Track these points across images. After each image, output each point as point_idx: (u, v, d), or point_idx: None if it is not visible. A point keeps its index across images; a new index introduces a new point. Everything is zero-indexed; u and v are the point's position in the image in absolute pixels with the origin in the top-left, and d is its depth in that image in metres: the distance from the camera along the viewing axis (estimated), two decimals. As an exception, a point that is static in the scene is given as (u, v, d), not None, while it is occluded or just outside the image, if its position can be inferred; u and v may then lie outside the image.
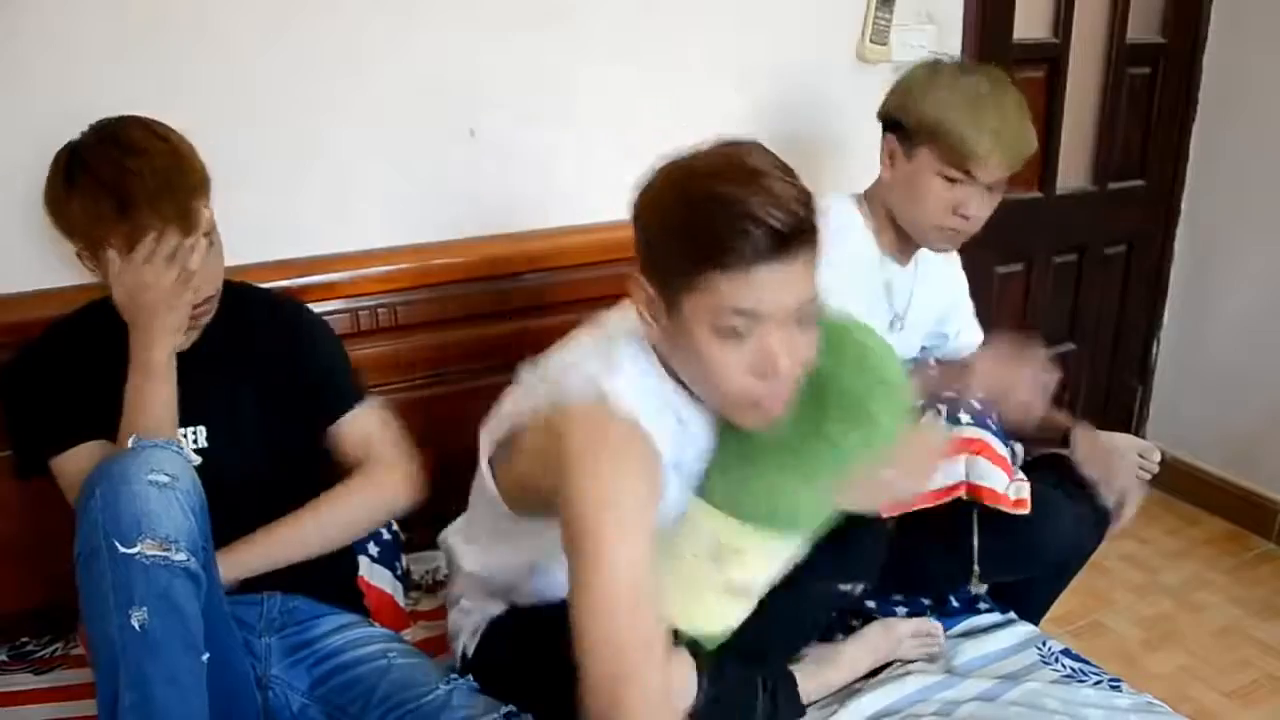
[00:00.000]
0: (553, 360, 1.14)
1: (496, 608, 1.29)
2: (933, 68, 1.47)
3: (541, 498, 1.05)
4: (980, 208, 1.46)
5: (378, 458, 1.35)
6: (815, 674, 1.37)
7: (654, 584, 0.99)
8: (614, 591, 0.95)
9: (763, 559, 1.17)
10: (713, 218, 0.97)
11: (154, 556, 0.99)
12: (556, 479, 1.00)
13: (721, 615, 1.19)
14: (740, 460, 1.13)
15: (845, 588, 1.31)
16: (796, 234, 0.98)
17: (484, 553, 1.27)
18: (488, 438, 1.17)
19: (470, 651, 1.28)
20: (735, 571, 1.15)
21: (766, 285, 0.98)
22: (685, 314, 1.01)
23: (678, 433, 1.12)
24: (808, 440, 1.09)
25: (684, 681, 1.13)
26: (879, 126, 1.53)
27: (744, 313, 0.99)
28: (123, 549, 0.98)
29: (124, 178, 1.14)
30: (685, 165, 1.03)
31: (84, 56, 1.42)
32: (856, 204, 1.57)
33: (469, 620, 1.30)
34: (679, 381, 1.10)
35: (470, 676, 1.24)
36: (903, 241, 1.57)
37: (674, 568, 1.15)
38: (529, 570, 1.23)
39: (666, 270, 1.02)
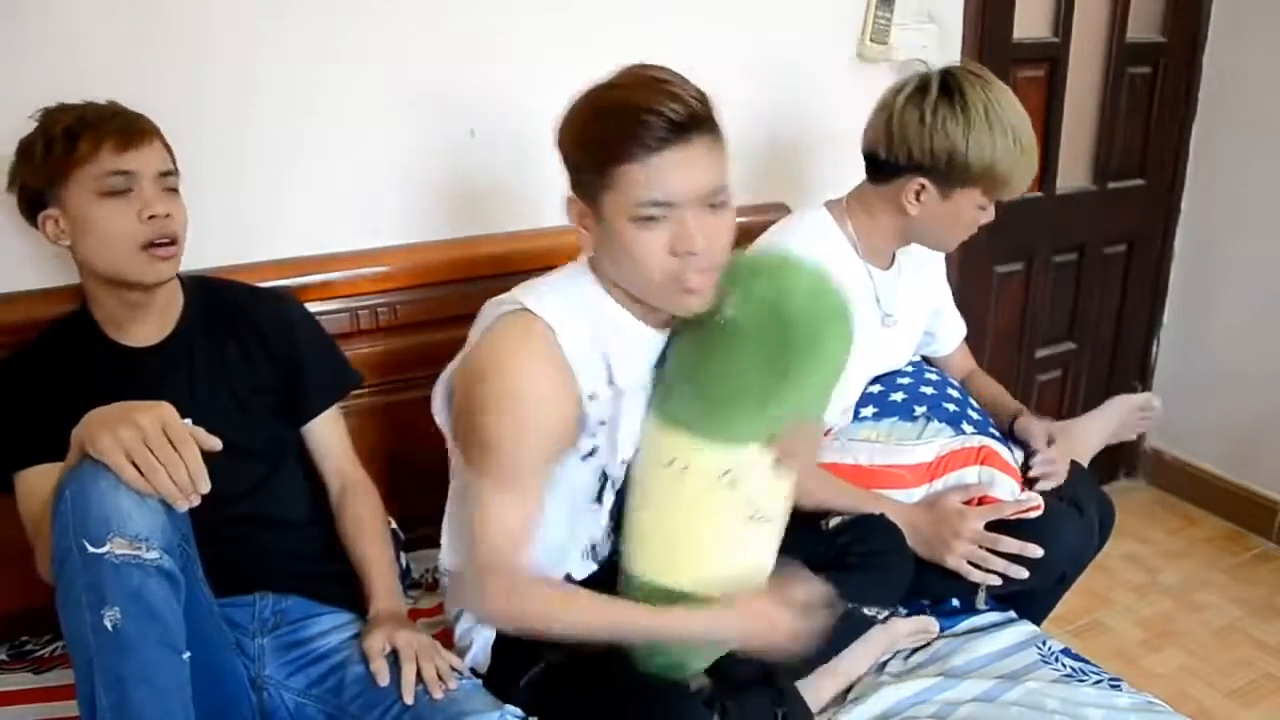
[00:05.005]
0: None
1: None
2: (961, 108, 1.40)
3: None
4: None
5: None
6: (814, 684, 1.37)
7: (536, 495, 1.14)
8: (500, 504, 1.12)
9: (756, 472, 1.17)
10: (616, 117, 1.06)
11: (124, 555, 0.98)
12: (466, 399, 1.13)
13: (745, 546, 1.19)
14: (707, 385, 1.16)
15: (870, 612, 1.36)
16: (692, 121, 1.05)
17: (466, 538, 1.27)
18: (440, 391, 1.24)
19: (483, 669, 1.27)
20: (744, 489, 1.16)
21: (670, 171, 1.05)
22: (608, 215, 1.09)
23: (615, 342, 1.17)
24: (774, 377, 1.13)
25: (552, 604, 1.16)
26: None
27: (657, 202, 1.06)
28: (92, 549, 0.97)
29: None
30: (593, 87, 1.12)
31: (80, 56, 1.41)
32: (831, 214, 1.56)
33: (479, 635, 1.28)
34: (624, 300, 1.17)
35: (471, 673, 1.24)
36: (884, 246, 1.58)
37: (681, 507, 1.17)
38: None
39: (587, 179, 1.10)
